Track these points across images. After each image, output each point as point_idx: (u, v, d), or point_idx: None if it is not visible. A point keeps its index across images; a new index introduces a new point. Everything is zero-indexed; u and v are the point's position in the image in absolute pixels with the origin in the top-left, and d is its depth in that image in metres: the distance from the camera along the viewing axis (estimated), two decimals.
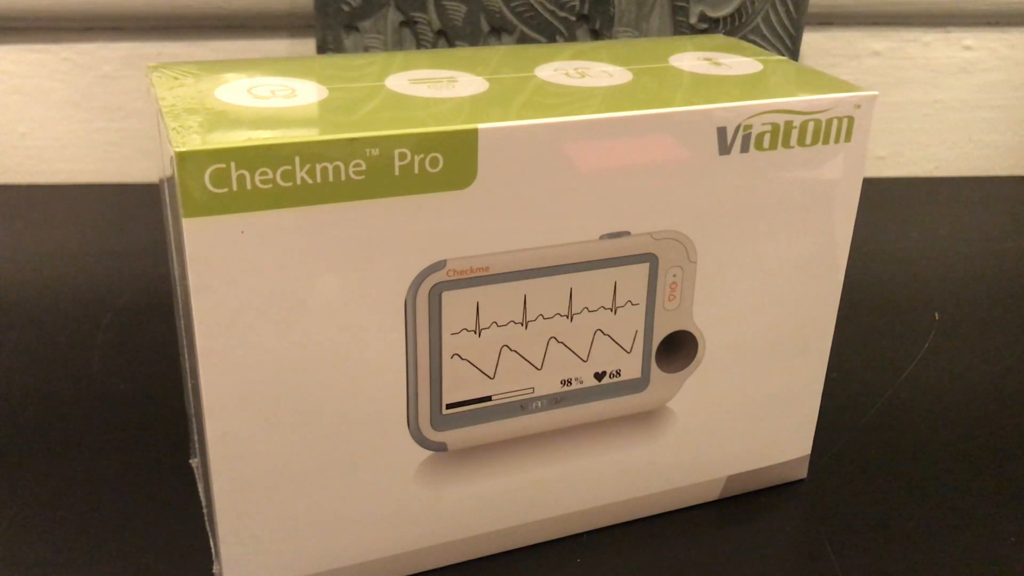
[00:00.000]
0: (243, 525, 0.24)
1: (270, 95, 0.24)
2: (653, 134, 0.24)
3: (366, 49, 0.48)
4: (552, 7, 0.47)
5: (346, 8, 0.47)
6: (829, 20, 0.56)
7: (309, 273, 0.22)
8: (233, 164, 0.21)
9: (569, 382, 0.26)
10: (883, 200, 0.55)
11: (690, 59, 0.29)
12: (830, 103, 0.26)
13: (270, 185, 0.21)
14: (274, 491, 0.24)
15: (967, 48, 0.57)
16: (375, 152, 0.22)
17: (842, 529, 0.29)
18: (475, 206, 0.23)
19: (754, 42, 0.49)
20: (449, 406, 0.25)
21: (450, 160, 0.23)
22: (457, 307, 0.24)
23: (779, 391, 0.29)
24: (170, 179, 0.22)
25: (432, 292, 0.24)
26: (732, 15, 0.48)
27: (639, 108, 0.24)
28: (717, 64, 0.28)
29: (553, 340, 0.26)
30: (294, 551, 0.25)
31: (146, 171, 0.55)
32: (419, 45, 0.48)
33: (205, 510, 0.29)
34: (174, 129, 0.21)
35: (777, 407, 0.30)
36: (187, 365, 0.26)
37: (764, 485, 0.31)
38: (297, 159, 0.21)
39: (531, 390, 0.26)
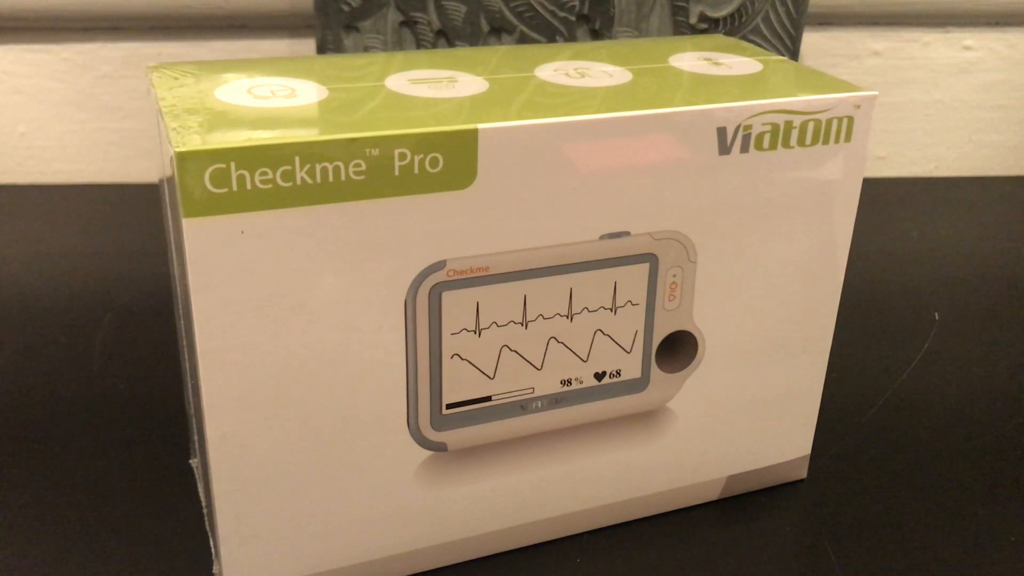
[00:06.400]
0: (243, 525, 0.24)
1: (270, 95, 0.24)
2: (653, 134, 0.24)
3: (366, 49, 0.48)
4: (552, 7, 0.47)
5: (346, 8, 0.47)
6: (829, 20, 0.56)
7: (309, 273, 0.22)
8: (233, 164, 0.21)
9: (569, 382, 0.26)
10: (883, 200, 0.55)
11: (690, 59, 0.29)
12: (830, 103, 0.26)
13: (270, 185, 0.21)
14: (274, 491, 0.24)
15: (967, 48, 0.57)
16: (375, 152, 0.22)
17: (842, 529, 0.29)
18: (475, 206, 0.23)
19: (754, 42, 0.49)
20: (449, 406, 0.25)
21: (450, 160, 0.23)
22: (457, 307, 0.24)
23: (779, 391, 0.29)
24: (170, 179, 0.22)
25: (432, 292, 0.24)
26: (732, 15, 0.48)
27: (639, 108, 0.24)
28: (717, 64, 0.28)
29: (553, 340, 0.26)
30: (294, 551, 0.25)
31: (146, 171, 0.55)
32: (419, 45, 0.48)
33: (205, 510, 0.29)
34: (174, 129, 0.21)
35: (777, 407, 0.30)
36: (187, 365, 0.26)
37: (764, 485, 0.31)
38: (297, 159, 0.21)
39: (531, 390, 0.26)
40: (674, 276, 0.26)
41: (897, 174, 0.60)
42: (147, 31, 0.52)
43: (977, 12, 0.56)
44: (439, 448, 0.26)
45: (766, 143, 0.26)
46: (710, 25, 0.48)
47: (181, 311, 0.26)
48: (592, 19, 0.48)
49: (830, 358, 0.30)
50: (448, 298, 0.24)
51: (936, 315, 0.42)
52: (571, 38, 0.48)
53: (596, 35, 0.48)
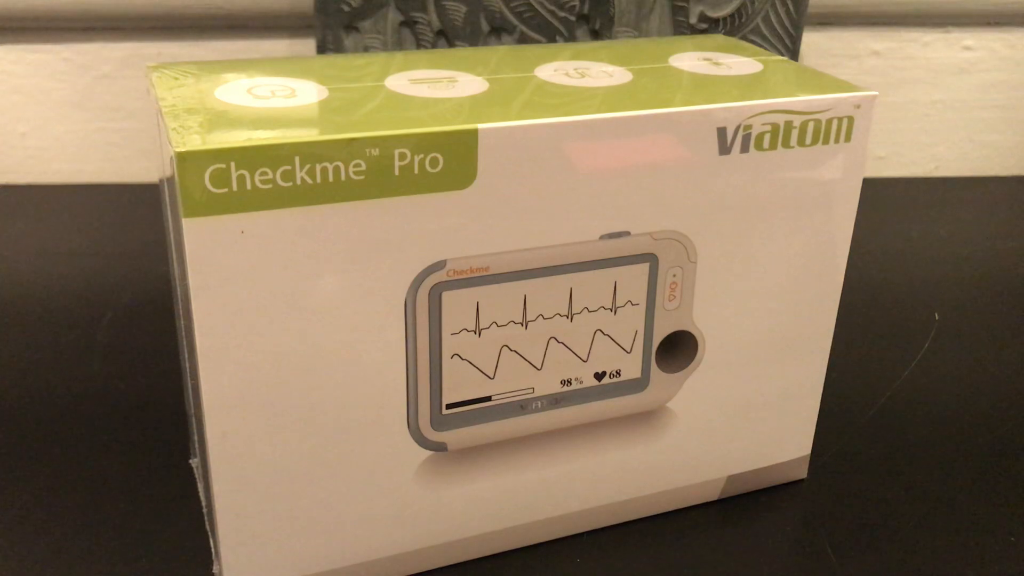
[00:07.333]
0: (243, 525, 0.24)
1: (270, 95, 0.24)
2: (653, 134, 0.24)
3: (366, 49, 0.48)
4: (552, 7, 0.47)
5: (346, 8, 0.47)
6: (829, 20, 0.56)
7: (309, 273, 0.22)
8: (233, 164, 0.21)
9: (569, 382, 0.26)
10: (883, 200, 0.55)
11: (690, 59, 0.29)
12: (830, 103, 0.26)
13: (270, 185, 0.21)
14: (274, 491, 0.24)
15: (967, 48, 0.57)
16: (375, 152, 0.22)
17: (842, 529, 0.29)
18: (475, 206, 0.23)
19: (754, 42, 0.49)
20: (449, 406, 0.25)
21: (450, 160, 0.23)
22: (457, 307, 0.24)
23: (779, 391, 0.29)
24: (170, 179, 0.22)
25: (432, 292, 0.24)
26: (732, 15, 0.48)
27: (639, 108, 0.24)
28: (717, 64, 0.28)
29: (553, 340, 0.26)
30: (294, 551, 0.25)
31: (146, 171, 0.55)
32: (419, 45, 0.48)
33: (205, 510, 0.29)
34: (174, 129, 0.21)
35: (777, 407, 0.30)
36: (187, 365, 0.26)
37: (764, 485, 0.31)
38: (297, 159, 0.21)
39: (531, 390, 0.26)
40: (674, 276, 0.26)
41: (897, 174, 0.60)
42: (147, 31, 0.52)
43: (977, 12, 0.56)
44: (439, 448, 0.26)
45: (766, 143, 0.26)
46: (710, 25, 0.48)
47: (181, 311, 0.26)
48: (592, 19, 0.48)
49: (830, 358, 0.30)
50: (448, 298, 0.24)
51: (936, 315, 0.42)
52: (571, 38, 0.48)
53: (596, 35, 0.48)
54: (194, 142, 0.21)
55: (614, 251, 0.25)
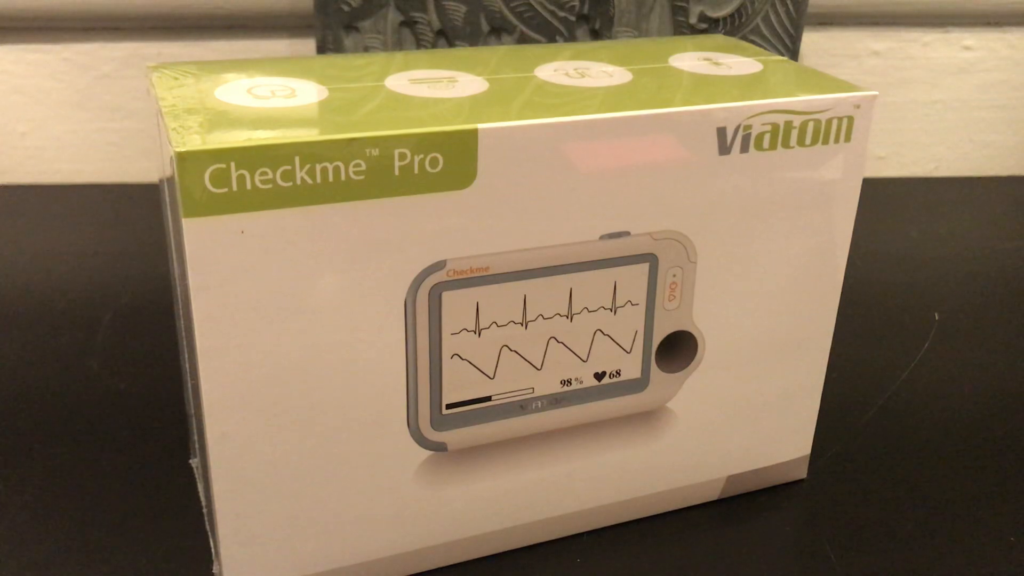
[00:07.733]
0: (243, 525, 0.24)
1: (270, 95, 0.24)
2: (653, 134, 0.24)
3: (366, 49, 0.48)
4: (552, 7, 0.47)
5: (346, 8, 0.47)
6: (829, 20, 0.56)
7: (309, 273, 0.22)
8: (233, 164, 0.21)
9: (569, 382, 0.26)
10: (883, 200, 0.55)
11: (690, 59, 0.29)
12: (830, 103, 0.26)
13: (270, 185, 0.21)
14: (274, 491, 0.24)
15: (967, 48, 0.57)
16: (375, 152, 0.22)
17: (842, 529, 0.29)
18: (475, 206, 0.23)
19: (754, 42, 0.49)
20: (449, 406, 0.25)
21: (450, 160, 0.23)
22: (457, 307, 0.24)
23: (779, 391, 0.29)
24: (170, 179, 0.22)
25: (432, 292, 0.24)
26: (732, 15, 0.48)
27: (639, 108, 0.24)
28: (717, 64, 0.29)
29: (553, 340, 0.26)
30: (294, 551, 0.25)
31: (146, 171, 0.55)
32: (419, 45, 0.48)
33: (205, 510, 0.29)
34: (174, 129, 0.21)
35: (777, 407, 0.30)
36: (187, 365, 0.26)
37: (764, 485, 0.31)
38: (297, 159, 0.21)
39: (531, 390, 0.26)
40: (674, 276, 0.26)
41: (897, 174, 0.60)
42: (147, 31, 0.52)
43: (977, 12, 0.56)
44: (439, 448, 0.26)
45: (766, 143, 0.26)
46: (710, 25, 0.48)
47: (181, 311, 0.26)
48: (592, 19, 0.48)
49: (830, 358, 0.30)
50: (448, 298, 0.24)
51: (936, 315, 0.42)
52: (571, 38, 0.48)
53: (596, 35, 0.48)
54: (194, 142, 0.21)
55: (614, 251, 0.25)
